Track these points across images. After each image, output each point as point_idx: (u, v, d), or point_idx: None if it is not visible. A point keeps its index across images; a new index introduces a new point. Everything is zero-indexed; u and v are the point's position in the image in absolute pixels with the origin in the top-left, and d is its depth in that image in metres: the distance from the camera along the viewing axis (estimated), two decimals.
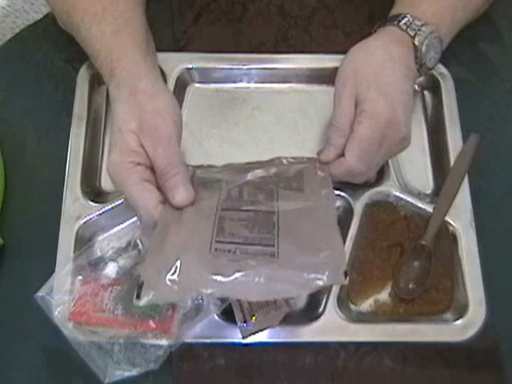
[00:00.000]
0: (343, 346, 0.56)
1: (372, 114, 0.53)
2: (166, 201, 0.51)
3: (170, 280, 0.45)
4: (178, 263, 0.45)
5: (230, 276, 0.45)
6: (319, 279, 0.45)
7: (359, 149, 0.53)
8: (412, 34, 0.57)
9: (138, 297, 0.44)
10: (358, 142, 0.53)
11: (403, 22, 0.57)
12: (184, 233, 0.49)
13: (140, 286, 0.45)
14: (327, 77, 0.66)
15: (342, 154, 0.55)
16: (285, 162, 0.59)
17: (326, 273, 0.45)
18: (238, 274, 0.45)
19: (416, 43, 0.57)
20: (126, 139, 0.50)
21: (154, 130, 0.50)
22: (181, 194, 0.50)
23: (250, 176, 0.56)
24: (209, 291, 0.44)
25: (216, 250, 0.47)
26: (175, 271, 0.45)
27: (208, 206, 0.51)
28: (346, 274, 0.45)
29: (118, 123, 0.51)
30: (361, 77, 0.55)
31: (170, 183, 0.50)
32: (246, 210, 0.51)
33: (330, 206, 0.53)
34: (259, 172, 0.57)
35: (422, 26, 0.57)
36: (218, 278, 0.45)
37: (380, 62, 0.55)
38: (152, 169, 0.51)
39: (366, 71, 0.55)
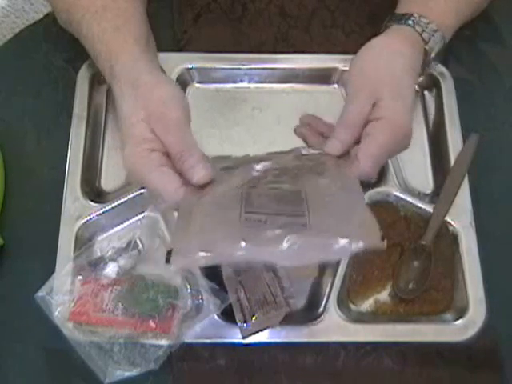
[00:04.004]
0: (343, 345, 0.56)
1: (393, 121, 0.52)
2: (186, 184, 0.50)
3: (199, 244, 0.44)
4: (208, 230, 0.45)
5: (260, 243, 0.44)
6: (355, 243, 0.43)
7: (376, 155, 0.52)
8: (420, 30, 0.56)
9: (168, 261, 0.43)
10: (376, 148, 0.52)
11: (410, 21, 0.57)
12: (210, 209, 0.48)
13: (169, 253, 0.44)
14: (327, 77, 0.66)
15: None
16: (304, 151, 0.57)
17: (363, 237, 0.44)
18: (269, 241, 0.44)
19: (426, 40, 0.56)
20: (136, 129, 0.50)
21: (163, 117, 0.50)
22: (199, 172, 0.49)
23: (270, 164, 0.55)
24: (239, 253, 0.43)
25: (246, 219, 0.46)
26: (204, 238, 0.44)
27: (232, 186, 0.50)
28: (383, 238, 0.44)
29: (125, 118, 0.51)
30: (376, 78, 0.53)
31: (186, 165, 0.49)
32: (273, 188, 0.50)
33: (355, 182, 0.51)
34: (280, 158, 0.55)
35: (428, 23, 0.57)
36: (249, 244, 0.43)
37: (392, 63, 0.54)
38: (167, 154, 0.50)
39: (381, 72, 0.54)
